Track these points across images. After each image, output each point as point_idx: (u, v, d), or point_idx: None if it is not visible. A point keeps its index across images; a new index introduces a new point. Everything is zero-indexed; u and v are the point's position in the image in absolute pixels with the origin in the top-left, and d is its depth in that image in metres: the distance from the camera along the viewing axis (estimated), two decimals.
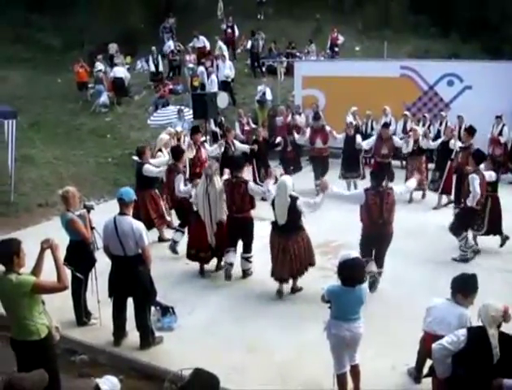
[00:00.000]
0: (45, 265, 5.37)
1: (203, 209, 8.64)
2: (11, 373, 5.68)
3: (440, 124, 14.98)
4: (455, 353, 4.79)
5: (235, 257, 8.73)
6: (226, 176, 8.88)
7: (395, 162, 15.28)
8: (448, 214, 11.26)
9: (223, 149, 12.52)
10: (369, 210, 7.58)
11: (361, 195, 7.65)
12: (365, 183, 13.20)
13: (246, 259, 8.82)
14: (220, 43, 22.07)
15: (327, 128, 13.79)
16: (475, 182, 8.88)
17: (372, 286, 7.71)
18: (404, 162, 15.05)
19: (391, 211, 7.64)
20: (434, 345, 4.94)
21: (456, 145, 11.71)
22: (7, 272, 5.02)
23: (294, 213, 7.69)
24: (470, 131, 11.48)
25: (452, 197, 11.92)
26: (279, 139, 13.83)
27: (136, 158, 10.49)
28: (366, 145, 13.36)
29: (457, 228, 9.33)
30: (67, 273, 5.40)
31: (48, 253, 5.28)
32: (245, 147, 12.94)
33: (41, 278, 5.20)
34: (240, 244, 8.85)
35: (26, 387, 3.74)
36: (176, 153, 9.94)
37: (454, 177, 11.64)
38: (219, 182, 8.61)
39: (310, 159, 14.52)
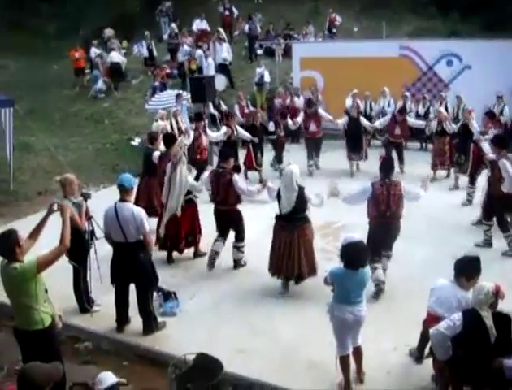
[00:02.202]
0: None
1: (164, 197, 8.55)
2: (15, 362, 5.77)
3: (440, 105, 14.91)
4: (453, 336, 4.81)
5: (222, 248, 8.54)
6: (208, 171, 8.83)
7: (414, 144, 15.38)
8: (457, 195, 11.30)
9: (227, 135, 12.43)
10: (376, 201, 7.38)
11: (368, 188, 7.45)
12: (366, 163, 13.46)
13: (237, 248, 8.62)
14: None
15: (321, 112, 13.94)
16: (507, 166, 8.51)
17: (377, 294, 7.42)
18: (424, 144, 15.43)
19: (399, 204, 7.43)
20: (431, 331, 4.97)
21: (474, 126, 11.42)
22: (10, 262, 5.01)
23: (302, 202, 7.49)
24: (491, 115, 11.45)
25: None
26: (271, 126, 13.73)
27: (148, 145, 10.35)
28: (379, 124, 13.82)
29: (488, 213, 9.07)
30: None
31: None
32: (247, 135, 12.84)
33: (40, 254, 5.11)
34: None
35: (36, 380, 3.74)
36: (168, 140, 9.67)
37: None
38: (182, 172, 8.41)
39: (304, 140, 14.62)
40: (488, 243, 9.05)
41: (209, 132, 12.42)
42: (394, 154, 12.96)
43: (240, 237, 8.58)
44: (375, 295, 7.36)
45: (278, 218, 7.74)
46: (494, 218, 9.01)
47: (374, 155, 14.00)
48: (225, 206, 8.38)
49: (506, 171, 8.54)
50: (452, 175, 12.61)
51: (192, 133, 11.84)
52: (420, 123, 13.74)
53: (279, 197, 7.63)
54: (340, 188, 7.88)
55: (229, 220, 8.48)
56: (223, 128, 12.72)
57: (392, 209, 7.37)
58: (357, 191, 7.65)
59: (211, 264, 8.48)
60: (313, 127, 13.82)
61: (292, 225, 7.56)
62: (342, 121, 13.60)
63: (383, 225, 7.46)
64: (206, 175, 8.80)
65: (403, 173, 13.03)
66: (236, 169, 12.14)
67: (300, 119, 13.89)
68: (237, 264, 8.67)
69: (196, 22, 22.64)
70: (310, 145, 14.07)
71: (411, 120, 13.69)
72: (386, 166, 7.66)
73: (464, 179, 11.61)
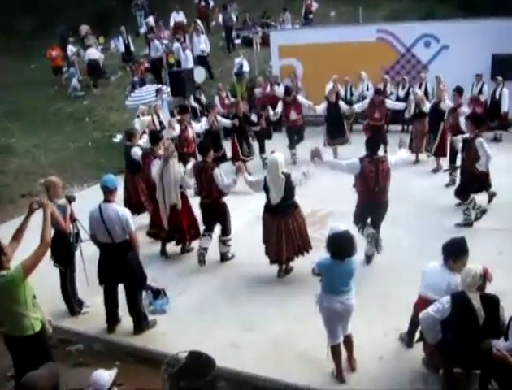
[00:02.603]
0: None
1: (158, 191, 8.57)
2: (6, 369, 5.76)
3: (420, 86, 14.97)
4: (442, 319, 4.87)
5: (209, 242, 8.50)
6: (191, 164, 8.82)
7: (396, 127, 15.43)
8: (435, 178, 11.39)
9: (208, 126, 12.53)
10: (365, 178, 7.46)
11: (356, 164, 7.49)
12: (350, 148, 13.46)
13: (223, 242, 8.61)
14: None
15: (300, 99, 13.87)
16: (484, 145, 8.67)
17: (377, 245, 7.82)
18: (405, 127, 15.32)
19: (386, 179, 7.55)
20: (421, 315, 5.03)
21: (447, 105, 11.41)
22: None
23: (290, 190, 7.49)
24: (459, 91, 11.35)
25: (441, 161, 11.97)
26: (254, 117, 13.69)
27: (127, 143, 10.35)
28: (357, 107, 13.78)
29: (464, 192, 9.09)
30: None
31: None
32: (228, 122, 12.88)
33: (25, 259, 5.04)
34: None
35: (37, 388, 3.75)
36: (154, 137, 9.75)
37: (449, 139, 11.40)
38: (175, 165, 8.46)
39: (286, 129, 14.49)
40: (468, 222, 9.09)
41: (193, 124, 12.45)
42: None
43: (226, 231, 8.55)
44: (376, 247, 7.85)
45: (267, 208, 7.73)
46: (471, 196, 9.06)
47: (356, 140, 14.07)
48: (209, 199, 8.38)
49: (484, 149, 8.64)
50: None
51: (177, 126, 11.82)
52: (399, 105, 13.68)
53: (266, 187, 7.59)
54: (320, 170, 7.91)
55: (215, 213, 8.47)
56: (204, 119, 12.82)
57: (380, 184, 7.49)
58: (345, 162, 7.70)
59: (202, 261, 8.42)
60: (293, 114, 13.72)
61: (284, 214, 7.58)
62: (321, 107, 13.55)
63: (371, 199, 7.60)
64: (188, 168, 8.76)
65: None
66: (220, 159, 12.20)
67: (279, 108, 13.79)
68: (224, 257, 8.65)
69: (173, 15, 22.43)
70: (291, 133, 13.96)
71: (390, 102, 13.65)
72: (372, 143, 7.70)
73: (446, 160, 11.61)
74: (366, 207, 7.70)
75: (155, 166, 8.86)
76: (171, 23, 22.21)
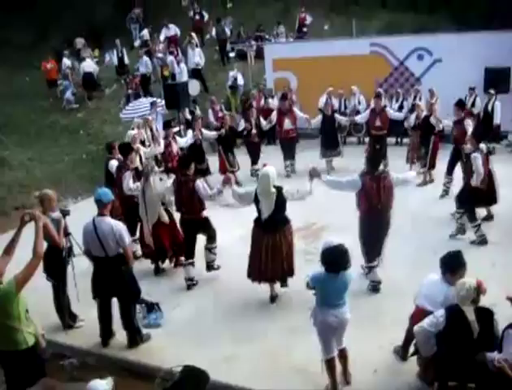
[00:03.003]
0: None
1: (141, 209, 8.48)
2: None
3: (415, 99, 15.11)
4: (437, 332, 4.88)
5: (193, 270, 8.33)
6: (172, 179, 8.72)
7: (390, 140, 15.42)
8: (428, 189, 11.42)
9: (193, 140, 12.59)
10: (367, 195, 7.27)
11: (357, 181, 7.30)
12: (344, 161, 13.53)
13: (209, 250, 8.40)
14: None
15: (295, 110, 13.95)
16: (477, 161, 8.66)
17: (374, 291, 7.66)
18: (399, 139, 15.65)
19: (389, 196, 7.35)
20: (415, 328, 5.04)
21: (436, 120, 11.55)
22: None
23: (281, 204, 7.27)
24: (460, 105, 11.39)
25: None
26: (242, 127, 13.75)
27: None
28: (359, 119, 13.93)
29: (460, 202, 9.14)
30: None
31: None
32: (212, 133, 13.02)
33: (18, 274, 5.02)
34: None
35: None
36: (124, 149, 9.53)
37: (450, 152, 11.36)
38: (155, 182, 8.39)
39: (279, 142, 14.58)
40: (461, 230, 9.17)
41: (178, 138, 12.52)
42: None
43: (211, 238, 8.37)
44: (371, 291, 7.58)
45: (257, 223, 7.48)
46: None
47: (350, 152, 14.16)
48: (191, 215, 8.16)
49: (476, 165, 8.68)
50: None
51: (162, 142, 11.85)
52: (400, 115, 13.73)
53: (257, 200, 7.35)
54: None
55: (196, 228, 8.25)
56: (189, 132, 12.88)
57: (383, 201, 7.31)
58: (345, 180, 7.50)
59: (191, 287, 8.29)
60: (288, 123, 13.75)
61: (274, 229, 7.34)
62: (316, 120, 13.66)
63: (374, 218, 7.40)
64: (169, 184, 8.62)
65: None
66: (204, 172, 12.22)
67: (274, 117, 13.84)
68: (210, 267, 8.48)
69: (163, 31, 22.50)
70: (284, 146, 14.08)
71: (391, 112, 13.65)
72: (372, 159, 7.56)
73: (440, 172, 11.64)
74: (369, 225, 7.46)
75: (126, 179, 8.78)
76: (161, 38, 22.26)
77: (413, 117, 12.85)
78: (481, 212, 9.47)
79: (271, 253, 7.35)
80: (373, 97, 13.73)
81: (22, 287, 4.97)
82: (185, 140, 12.50)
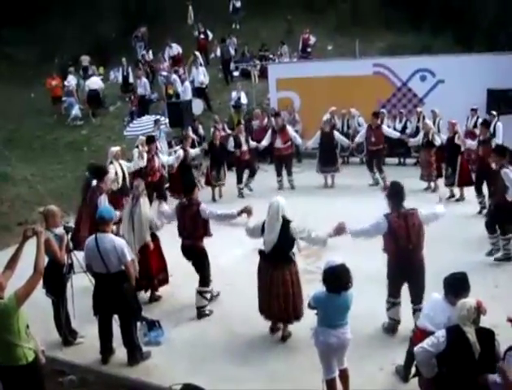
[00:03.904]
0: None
1: (127, 233, 8.06)
2: None
3: (418, 120, 15.20)
4: (437, 353, 4.85)
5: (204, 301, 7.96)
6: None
7: (393, 160, 15.65)
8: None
9: (181, 159, 12.87)
10: (394, 234, 6.68)
11: (382, 223, 6.72)
12: (346, 180, 13.61)
13: (201, 294, 7.87)
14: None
15: (289, 129, 14.20)
16: (510, 175, 8.66)
17: (387, 331, 7.08)
18: (402, 160, 16.00)
19: (419, 235, 6.74)
20: (416, 349, 5.00)
21: (460, 139, 11.91)
22: None
23: (286, 238, 6.79)
24: (486, 124, 11.71)
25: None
26: (231, 145, 13.93)
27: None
28: (358, 138, 14.29)
29: (492, 225, 9.05)
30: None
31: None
32: (197, 150, 13.52)
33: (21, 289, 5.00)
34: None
35: None
36: (98, 172, 9.46)
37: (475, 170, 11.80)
38: (145, 204, 8.18)
39: (273, 159, 14.90)
40: (507, 257, 9.01)
41: (160, 155, 12.79)
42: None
43: (204, 280, 7.90)
44: (386, 331, 7.06)
45: (261, 255, 7.12)
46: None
47: (352, 172, 14.23)
48: (191, 240, 7.84)
49: (509, 180, 8.66)
50: (440, 186, 12.97)
51: (146, 157, 12.16)
52: (394, 133, 14.15)
53: (263, 229, 6.99)
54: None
55: (193, 258, 7.94)
56: (179, 151, 13.07)
57: (413, 241, 6.69)
58: (370, 226, 6.85)
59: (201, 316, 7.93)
60: (279, 142, 13.97)
61: (274, 265, 6.94)
62: (313, 140, 14.01)
63: (405, 260, 6.75)
64: (165, 208, 8.51)
65: (380, 184, 13.41)
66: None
67: (265, 141, 14.14)
68: (200, 313, 7.88)
69: (166, 50, 22.83)
70: (276, 163, 14.46)
71: (386, 129, 14.08)
72: (396, 193, 6.93)
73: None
74: (400, 269, 6.83)
75: (101, 204, 8.63)
76: (166, 57, 22.57)
77: (420, 135, 13.25)
78: None
79: (275, 289, 6.93)
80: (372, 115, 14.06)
81: (23, 302, 4.97)
82: (167, 160, 12.94)
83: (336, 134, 14.06)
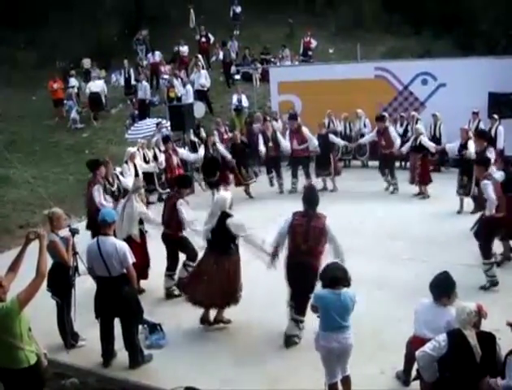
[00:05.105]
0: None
1: (117, 223, 8.14)
2: None
3: (416, 123, 15.20)
4: (439, 357, 4.86)
5: (171, 282, 8.54)
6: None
7: (356, 162, 15.76)
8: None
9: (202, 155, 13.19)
10: (293, 231, 6.81)
11: (288, 218, 6.91)
12: (348, 183, 13.76)
13: (185, 267, 8.44)
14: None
15: (304, 130, 14.04)
16: (488, 188, 7.97)
17: (287, 344, 6.93)
18: (403, 163, 15.64)
19: (318, 241, 6.71)
20: (417, 353, 5.00)
21: (471, 147, 11.31)
22: None
23: (223, 231, 7.16)
24: (481, 135, 11.25)
25: None
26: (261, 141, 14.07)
27: None
28: (364, 140, 14.59)
29: (478, 236, 8.36)
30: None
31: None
32: (196, 155, 13.66)
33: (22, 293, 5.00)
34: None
35: None
36: (91, 165, 10.04)
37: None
38: (137, 201, 8.45)
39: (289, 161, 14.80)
40: (494, 282, 8.13)
41: (179, 150, 13.23)
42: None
43: (189, 258, 8.39)
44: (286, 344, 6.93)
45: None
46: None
47: (353, 174, 14.25)
48: (168, 230, 8.41)
49: (487, 193, 8.07)
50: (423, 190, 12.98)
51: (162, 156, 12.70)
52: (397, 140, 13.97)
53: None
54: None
55: (172, 245, 8.46)
56: (201, 150, 13.42)
57: (309, 243, 6.70)
58: (279, 227, 7.06)
59: (169, 297, 8.48)
60: (295, 144, 13.97)
61: (217, 253, 7.32)
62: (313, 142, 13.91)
63: (294, 259, 6.81)
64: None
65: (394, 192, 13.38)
66: (214, 185, 12.95)
67: (261, 147, 14.05)
68: (170, 294, 8.52)
69: (179, 48, 23.14)
70: (292, 163, 14.39)
71: (391, 131, 13.79)
72: (306, 196, 7.07)
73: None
74: (288, 269, 6.92)
75: (95, 194, 9.34)
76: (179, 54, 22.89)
77: (411, 139, 13.16)
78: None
79: (207, 275, 7.30)
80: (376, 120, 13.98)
81: (25, 305, 4.97)
82: (187, 154, 13.40)
83: (331, 136, 14.02)
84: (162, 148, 13.50)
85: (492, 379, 4.80)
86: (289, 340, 6.89)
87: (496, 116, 13.97)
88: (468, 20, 22.96)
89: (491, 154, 10.33)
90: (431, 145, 12.83)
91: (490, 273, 8.06)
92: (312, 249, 6.69)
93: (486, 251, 8.13)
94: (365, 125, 16.17)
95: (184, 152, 13.31)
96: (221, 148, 13.41)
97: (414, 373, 5.73)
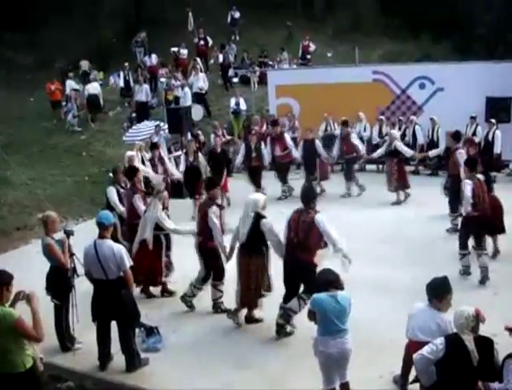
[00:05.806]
0: None
1: (140, 226, 8.53)
2: None
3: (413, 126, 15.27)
4: (436, 361, 4.85)
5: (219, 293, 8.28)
6: None
7: (371, 167, 15.62)
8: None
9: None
10: (288, 226, 7.13)
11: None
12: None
13: (214, 287, 8.23)
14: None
15: (286, 137, 13.99)
16: (466, 187, 8.39)
17: (278, 335, 7.23)
18: (380, 166, 15.65)
19: (308, 234, 6.91)
20: (415, 356, 5.00)
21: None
22: None
23: (257, 233, 7.19)
24: (472, 142, 11.46)
25: None
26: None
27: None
28: (376, 155, 13.75)
29: (460, 236, 8.85)
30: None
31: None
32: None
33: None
34: None
35: None
36: (129, 172, 9.68)
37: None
38: (156, 204, 8.43)
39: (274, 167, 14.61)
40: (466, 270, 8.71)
41: (169, 166, 12.83)
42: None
43: (217, 276, 8.11)
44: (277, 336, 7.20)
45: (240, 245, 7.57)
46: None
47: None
48: (201, 239, 8.09)
49: (462, 191, 8.60)
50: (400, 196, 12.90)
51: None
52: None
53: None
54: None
55: (205, 255, 8.12)
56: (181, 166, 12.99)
57: (299, 236, 6.95)
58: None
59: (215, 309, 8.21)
60: (277, 150, 13.84)
61: (249, 254, 7.37)
62: (297, 152, 13.83)
63: (288, 252, 7.11)
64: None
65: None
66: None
67: (240, 156, 13.88)
68: (216, 305, 8.17)
69: (179, 50, 23.28)
70: (277, 169, 14.22)
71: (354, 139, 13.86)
72: (302, 193, 7.30)
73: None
74: (285, 263, 7.22)
75: (136, 203, 8.96)
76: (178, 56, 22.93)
77: (386, 144, 13.11)
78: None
79: (243, 278, 7.43)
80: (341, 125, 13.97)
81: (17, 331, 4.91)
82: (172, 168, 12.90)
83: (317, 144, 13.77)
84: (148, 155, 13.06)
85: (489, 384, 4.80)
86: (280, 331, 7.19)
87: (493, 121, 14.03)
88: (466, 25, 23.03)
89: (460, 156, 10.33)
90: (405, 150, 12.76)
91: (463, 262, 8.67)
92: (302, 242, 6.93)
93: (461, 243, 8.71)
94: (365, 129, 16.15)
95: (169, 166, 12.83)
96: (202, 158, 12.95)
97: (412, 377, 5.72)
